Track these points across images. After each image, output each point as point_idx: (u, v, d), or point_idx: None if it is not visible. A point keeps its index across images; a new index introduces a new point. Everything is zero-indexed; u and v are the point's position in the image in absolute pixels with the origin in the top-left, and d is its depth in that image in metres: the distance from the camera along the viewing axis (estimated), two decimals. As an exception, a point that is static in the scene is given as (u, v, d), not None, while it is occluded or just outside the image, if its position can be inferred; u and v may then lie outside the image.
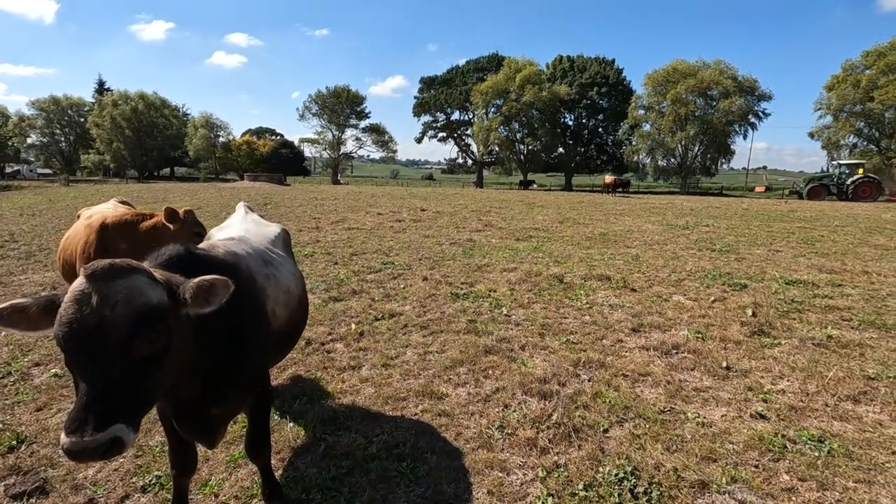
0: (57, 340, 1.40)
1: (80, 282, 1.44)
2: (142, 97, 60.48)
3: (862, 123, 40.14)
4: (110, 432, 1.33)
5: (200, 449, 2.60)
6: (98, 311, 1.39)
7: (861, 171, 32.37)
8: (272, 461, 2.59)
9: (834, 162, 36.65)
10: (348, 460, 2.85)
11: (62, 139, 66.79)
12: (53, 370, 3.96)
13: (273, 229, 3.20)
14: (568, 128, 54.29)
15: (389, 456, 2.89)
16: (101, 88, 69.80)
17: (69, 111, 65.16)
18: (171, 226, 3.71)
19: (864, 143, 40.89)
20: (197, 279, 1.60)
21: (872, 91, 37.51)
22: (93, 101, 65.41)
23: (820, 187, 32.79)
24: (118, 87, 66.36)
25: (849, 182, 31.94)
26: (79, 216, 4.60)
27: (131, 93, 60.77)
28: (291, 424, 3.22)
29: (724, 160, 48.10)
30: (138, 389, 1.45)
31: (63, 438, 1.31)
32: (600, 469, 2.77)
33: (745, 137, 46.91)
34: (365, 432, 3.13)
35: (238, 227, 2.97)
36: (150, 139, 60.91)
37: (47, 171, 65.82)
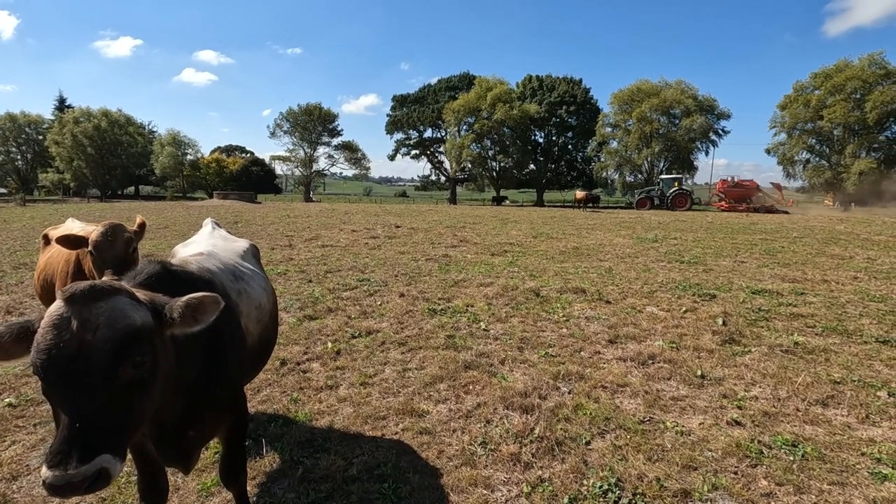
0: (35, 369, 1.31)
1: (57, 305, 1.36)
2: (105, 114, 58.70)
3: (813, 140, 42.40)
4: (96, 464, 1.25)
5: (170, 478, 2.47)
6: (78, 337, 1.31)
7: (677, 184, 38.01)
8: (247, 487, 2.48)
9: (660, 176, 41.69)
10: (328, 483, 2.75)
11: (18, 157, 64.04)
12: (7, 399, 3.72)
13: (241, 244, 3.12)
14: (539, 145, 55.40)
15: (370, 477, 2.81)
16: (62, 105, 67.58)
17: (27, 129, 62.65)
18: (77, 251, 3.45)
19: (817, 159, 43.13)
20: (185, 297, 1.53)
21: (822, 110, 39.76)
22: (52, 118, 63.18)
23: (646, 198, 37.95)
24: (80, 104, 64.33)
25: (668, 194, 37.17)
26: (46, 236, 4.39)
27: (94, 110, 58.98)
28: (267, 448, 3.10)
29: (688, 175, 49.86)
30: (124, 416, 1.37)
31: (45, 472, 1.22)
32: (584, 482, 2.76)
33: (706, 154, 48.84)
34: (344, 454, 3.04)
35: (205, 243, 2.88)
36: (114, 157, 59.04)
37: (2, 190, 62.89)
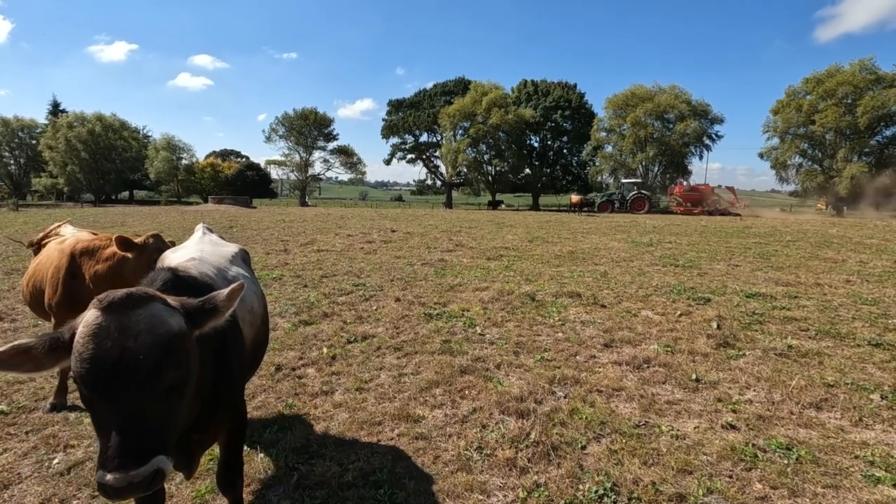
0: (79, 378, 1.34)
1: (94, 314, 1.39)
2: (99, 119, 58.41)
3: (806, 144, 42.78)
4: (153, 464, 1.32)
5: (164, 485, 2.45)
6: (120, 344, 1.34)
7: (636, 188, 39.70)
8: (243, 494, 2.46)
9: (622, 181, 43.17)
10: (323, 490, 2.74)
11: (11, 162, 63.62)
12: (-1, 407, 3.69)
13: (231, 248, 3.09)
14: (534, 149, 55.60)
15: (366, 483, 2.80)
16: (56, 110, 67.18)
17: (20, 133, 62.24)
18: (128, 255, 3.54)
19: (809, 163, 43.50)
20: (227, 290, 1.62)
21: (814, 115, 40.14)
22: (46, 122, 62.83)
23: (608, 202, 39.41)
24: (74, 108, 64.10)
25: (628, 197, 38.68)
26: (38, 244, 4.37)
27: (88, 114, 58.65)
28: (262, 454, 3.08)
29: (682, 179, 50.15)
30: (168, 419, 1.43)
31: (106, 477, 1.26)
32: (580, 486, 2.76)
33: (700, 158, 49.22)
34: (340, 460, 3.02)
35: (193, 249, 2.86)
36: (108, 162, 58.69)
37: (-6, 195, 62.39)
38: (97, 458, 1.37)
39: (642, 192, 39.53)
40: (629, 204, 38.44)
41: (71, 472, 2.91)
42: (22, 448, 3.16)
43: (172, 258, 2.74)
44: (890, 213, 36.01)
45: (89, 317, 1.39)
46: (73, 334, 1.40)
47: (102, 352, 1.33)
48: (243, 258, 3.14)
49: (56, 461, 3.02)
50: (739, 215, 33.49)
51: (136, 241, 3.49)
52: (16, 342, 1.40)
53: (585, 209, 34.53)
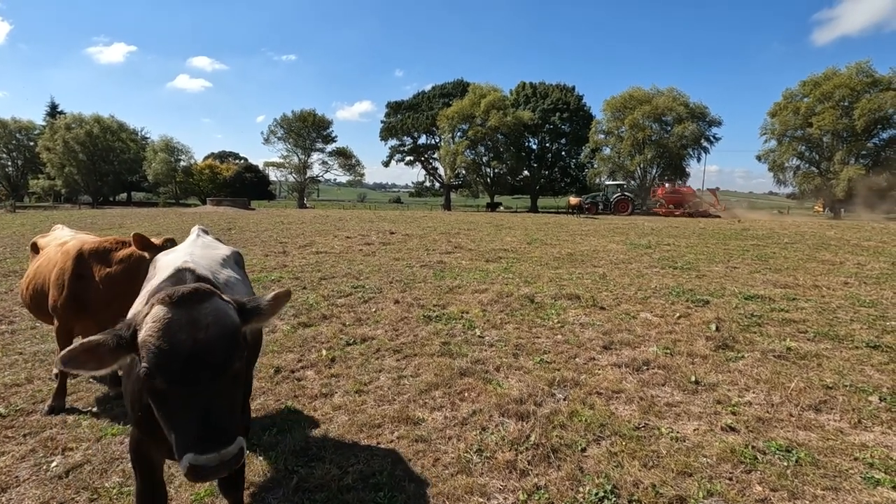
0: (157, 370, 1.40)
1: (162, 309, 1.46)
2: (97, 120, 58.33)
3: (803, 147, 42.92)
4: (238, 443, 1.44)
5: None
6: (193, 336, 1.43)
7: (620, 190, 40.99)
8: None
9: (605, 183, 44.95)
10: (322, 493, 2.73)
11: (9, 163, 63.48)
12: (-4, 409, 3.67)
13: (223, 251, 3.05)
14: (532, 151, 55.68)
15: (366, 486, 2.79)
16: (54, 111, 67.10)
17: (17, 135, 62.12)
18: (145, 254, 3.53)
19: (807, 166, 43.66)
20: (273, 294, 1.75)
21: (811, 117, 40.29)
22: (44, 124, 62.71)
23: (592, 204, 40.30)
24: (72, 110, 63.95)
25: (612, 199, 39.72)
26: (35, 245, 4.36)
27: (86, 116, 58.59)
28: (261, 457, 3.07)
29: (680, 182, 50.25)
30: (235, 404, 1.55)
31: (200, 458, 1.36)
32: (580, 489, 2.76)
33: (698, 160, 49.30)
34: (339, 462, 3.02)
35: (183, 252, 2.84)
36: (106, 163, 58.61)
37: (-9, 196, 62.20)
38: (176, 446, 1.43)
39: (626, 193, 40.68)
40: (613, 205, 39.48)
41: (69, 475, 2.89)
42: (20, 451, 3.15)
43: (164, 261, 2.73)
44: (887, 215, 36.17)
45: (158, 312, 1.45)
46: (135, 331, 1.47)
47: (178, 343, 1.40)
48: (236, 261, 3.11)
49: (54, 464, 3.01)
50: (719, 216, 34.57)
51: (153, 241, 3.48)
52: (86, 340, 1.46)
53: (583, 213, 34.63)
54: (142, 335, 1.44)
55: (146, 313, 1.48)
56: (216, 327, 1.47)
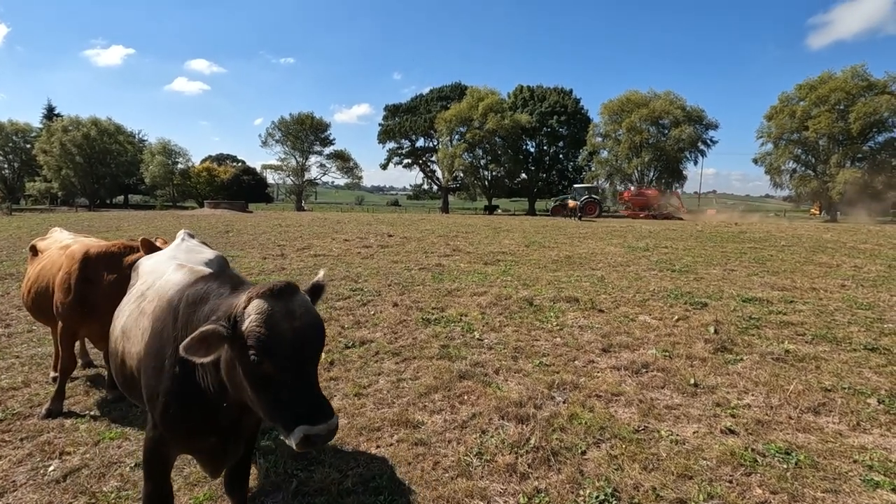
0: (267, 355, 1.55)
1: (263, 303, 1.60)
2: (94, 123, 58.20)
3: (799, 150, 43.15)
4: (336, 415, 1.64)
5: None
6: (292, 324, 1.59)
7: (588, 193, 41.74)
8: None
9: (574, 186, 45.72)
10: (322, 497, 2.72)
11: (5, 166, 63.26)
12: (-7, 413, 3.64)
13: (207, 254, 3.01)
14: (530, 154, 55.80)
15: (366, 490, 2.78)
16: (51, 114, 66.97)
17: (14, 137, 61.94)
18: None
19: (803, 169, 43.86)
20: (322, 273, 1.95)
21: (807, 121, 40.51)
22: (41, 126, 62.57)
23: (560, 206, 41.80)
24: (69, 112, 63.84)
25: (580, 201, 39.80)
26: (34, 247, 4.34)
27: (83, 118, 58.47)
28: (261, 461, 3.06)
29: (677, 185, 50.43)
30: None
31: (312, 429, 1.54)
32: (581, 492, 2.75)
33: (695, 163, 49.54)
34: (339, 466, 3.01)
35: (167, 256, 2.80)
36: (103, 166, 58.48)
37: (-12, 199, 61.91)
38: (284, 422, 1.58)
39: (593, 196, 41.57)
40: (581, 208, 40.63)
41: (67, 479, 2.88)
42: (17, 455, 3.13)
43: (147, 265, 2.72)
44: (883, 217, 36.35)
45: (259, 305, 1.59)
46: (235, 323, 1.59)
47: (282, 331, 1.56)
48: (220, 264, 3.07)
49: (52, 468, 2.99)
50: (681, 218, 36.05)
51: (159, 246, 3.46)
52: (202, 329, 1.58)
53: (580, 214, 34.67)
54: (247, 326, 1.57)
55: (244, 307, 1.61)
56: (308, 316, 1.65)
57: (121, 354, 2.32)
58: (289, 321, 1.59)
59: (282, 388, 1.58)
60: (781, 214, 47.93)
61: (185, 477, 2.88)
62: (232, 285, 1.91)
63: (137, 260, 3.37)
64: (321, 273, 1.94)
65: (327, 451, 3.16)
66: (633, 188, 42.53)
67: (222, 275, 2.01)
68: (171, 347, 1.91)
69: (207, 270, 2.31)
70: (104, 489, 2.79)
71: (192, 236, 3.28)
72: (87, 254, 3.66)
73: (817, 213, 46.61)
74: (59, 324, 3.73)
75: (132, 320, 2.31)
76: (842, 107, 39.16)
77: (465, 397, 3.97)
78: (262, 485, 2.85)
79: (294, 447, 1.55)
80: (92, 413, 3.75)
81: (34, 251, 4.33)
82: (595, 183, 51.10)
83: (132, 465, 3.01)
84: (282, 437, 1.60)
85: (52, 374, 4.34)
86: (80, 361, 4.54)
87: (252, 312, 1.59)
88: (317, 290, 1.86)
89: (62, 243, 4.10)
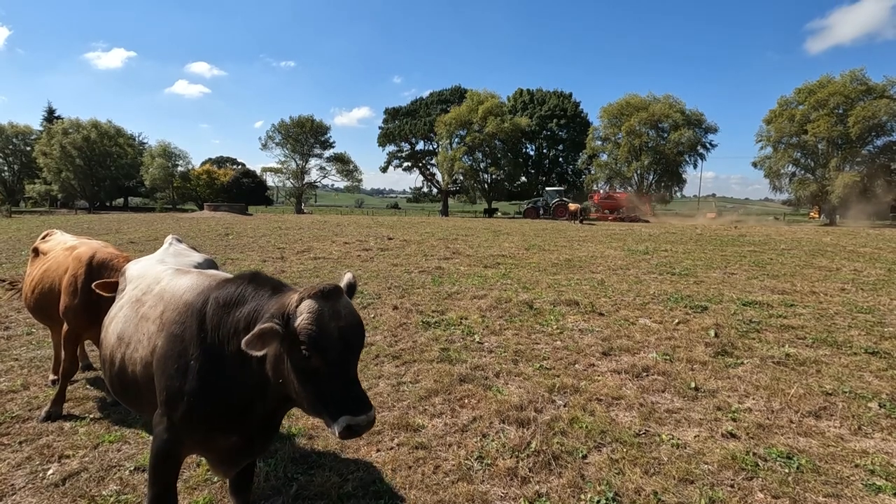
0: (318, 350, 1.67)
1: (314, 303, 1.72)
2: (95, 125, 58.26)
3: (798, 154, 43.22)
4: (375, 408, 1.79)
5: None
6: (338, 324, 1.72)
7: (559, 196, 42.98)
8: (241, 506, 2.44)
9: (546, 189, 47.09)
10: (322, 500, 2.71)
11: (5, 168, 63.30)
12: (-8, 416, 3.63)
13: (195, 257, 3.04)
14: (530, 157, 55.93)
15: (366, 494, 2.77)
16: (51, 116, 67.06)
17: (14, 139, 62.01)
18: None
19: (802, 172, 43.94)
20: (350, 274, 2.05)
21: (806, 124, 40.59)
22: (41, 129, 62.63)
23: (533, 208, 42.73)
24: (70, 115, 63.88)
25: (551, 204, 41.55)
26: (37, 249, 4.33)
27: (83, 121, 58.53)
28: (261, 464, 3.04)
29: (677, 188, 50.52)
30: None
31: (355, 419, 1.68)
32: (582, 497, 2.74)
33: (694, 167, 49.76)
34: (339, 470, 3.00)
35: (156, 260, 2.81)
36: (103, 168, 58.51)
37: (-12, 201, 61.87)
38: (329, 413, 1.70)
39: (564, 199, 42.43)
40: (552, 210, 41.31)
41: (66, 482, 2.86)
42: (15, 458, 3.11)
43: (135, 270, 2.72)
44: (882, 221, 36.40)
45: (310, 305, 1.71)
46: (287, 320, 1.71)
47: (331, 329, 1.69)
48: (209, 266, 3.07)
49: (51, 472, 2.97)
50: (647, 221, 37.51)
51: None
52: (260, 326, 1.68)
53: (579, 218, 34.74)
54: (299, 323, 1.69)
55: (296, 306, 1.73)
56: (351, 316, 1.78)
57: (119, 361, 2.30)
58: (336, 320, 1.72)
59: (328, 381, 1.72)
60: (781, 218, 48.02)
61: (185, 480, 2.86)
62: (272, 287, 1.98)
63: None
64: (349, 275, 2.02)
65: (327, 455, 3.16)
66: (602, 192, 43.86)
67: (256, 278, 2.04)
68: (197, 349, 1.96)
69: (226, 274, 2.34)
70: (104, 493, 2.78)
71: (179, 241, 3.28)
72: (94, 260, 3.66)
73: (816, 216, 46.67)
74: (65, 326, 3.73)
75: (131, 326, 2.29)
76: (841, 111, 39.26)
77: (466, 401, 3.96)
78: (262, 488, 2.84)
79: (337, 436, 1.69)
80: (91, 416, 3.74)
81: (36, 253, 4.33)
82: (595, 185, 51.23)
83: (132, 468, 3.00)
84: (326, 427, 1.77)
85: (52, 376, 4.32)
86: (80, 364, 4.52)
87: (304, 311, 1.71)
88: (350, 289, 1.97)
89: (67, 244, 4.09)
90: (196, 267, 2.84)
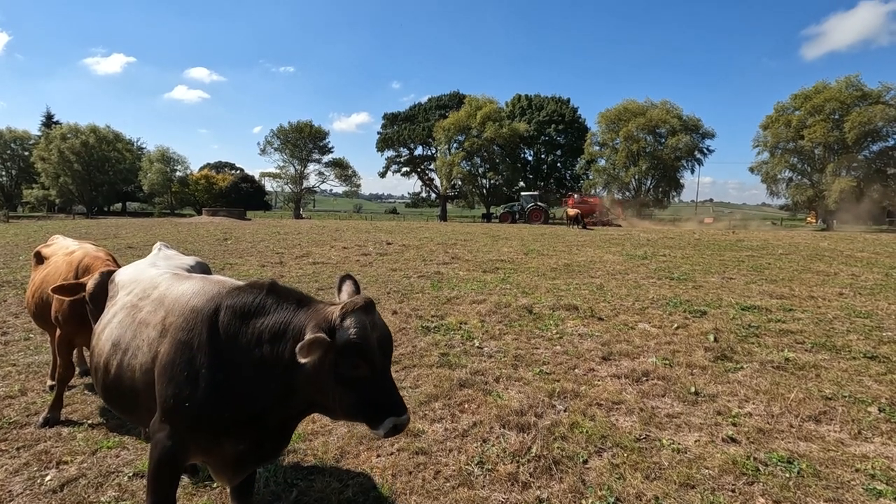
0: (365, 357, 1.81)
1: (359, 315, 1.84)
2: (93, 130, 58.22)
3: (795, 159, 43.44)
4: (408, 408, 2.04)
5: None
6: (377, 333, 1.87)
7: (534, 201, 43.53)
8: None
9: (521, 193, 47.49)
10: (323, 506, 2.69)
11: (3, 173, 63.22)
12: None
13: (187, 261, 3.02)
14: (528, 163, 56.07)
15: (366, 499, 2.76)
16: (50, 121, 67.05)
17: (12, 144, 61.97)
18: None
19: (799, 177, 44.14)
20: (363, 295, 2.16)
21: (802, 130, 40.82)
22: (39, 134, 62.60)
23: (508, 213, 43.17)
24: (68, 120, 63.93)
25: (526, 208, 42.27)
26: (39, 254, 4.32)
27: (82, 126, 58.51)
28: (260, 470, 3.03)
29: (674, 193, 50.69)
30: None
31: (399, 419, 1.85)
32: (583, 501, 2.74)
33: (692, 172, 49.95)
34: (339, 475, 2.98)
35: (146, 265, 2.74)
36: (101, 173, 58.42)
37: (-15, 206, 61.71)
38: (374, 415, 1.84)
39: (539, 203, 43.19)
40: (527, 215, 42.03)
41: (64, 489, 2.84)
42: (13, 464, 3.09)
43: (125, 277, 2.66)
44: (878, 226, 36.55)
45: (356, 319, 1.83)
46: (333, 331, 1.80)
47: (372, 340, 1.83)
48: (203, 269, 3.06)
49: (48, 478, 2.95)
50: (619, 225, 38.59)
51: None
52: (313, 337, 1.73)
53: (579, 224, 34.81)
54: (349, 336, 1.79)
55: (340, 320, 1.83)
56: (385, 327, 1.93)
57: (115, 368, 2.23)
58: (375, 331, 1.86)
59: (372, 387, 1.85)
60: (778, 223, 48.17)
61: (184, 487, 2.85)
62: (296, 300, 2.03)
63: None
64: (361, 296, 2.06)
65: (327, 460, 3.14)
66: (576, 196, 44.56)
67: (275, 289, 2.05)
68: (208, 357, 1.94)
69: (234, 280, 2.30)
70: (102, 499, 2.76)
71: (167, 247, 3.24)
72: (83, 261, 3.65)
73: (813, 221, 46.86)
74: (58, 331, 3.71)
75: (128, 332, 2.23)
76: (837, 116, 39.50)
77: (466, 406, 3.96)
78: (262, 494, 2.82)
79: (382, 436, 1.84)
80: (90, 421, 3.72)
81: (38, 258, 4.32)
82: (593, 190, 51.37)
83: (130, 474, 2.99)
84: (369, 429, 1.88)
85: (50, 382, 4.30)
86: (77, 370, 4.51)
87: (351, 325, 1.82)
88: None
89: (67, 249, 4.09)
90: (189, 270, 2.81)
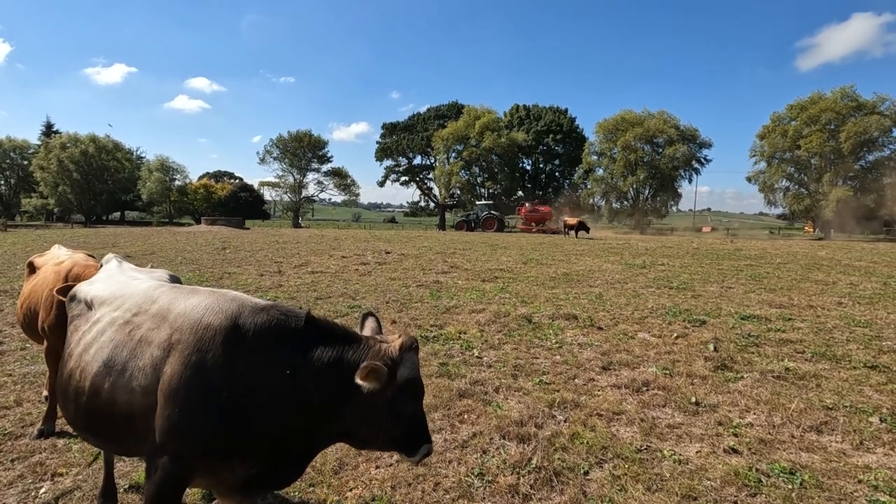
0: (414, 392, 1.95)
1: (413, 355, 1.97)
2: (93, 140, 58.34)
3: (792, 169, 43.76)
4: None
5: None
6: (419, 370, 2.01)
7: (488, 209, 44.71)
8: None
9: (477, 203, 48.55)
10: (321, 519, 2.66)
11: (2, 182, 63.25)
12: None
13: (160, 274, 2.75)
14: (526, 172, 56.34)
15: (365, 512, 2.73)
16: (49, 131, 67.25)
17: (11, 153, 62.06)
18: None
19: (796, 187, 44.41)
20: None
21: (799, 140, 41.17)
22: (39, 143, 62.75)
23: (464, 222, 44.19)
24: (68, 129, 64.11)
25: (481, 217, 43.28)
26: (32, 264, 4.29)
27: (82, 135, 58.66)
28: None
29: (672, 202, 50.93)
30: None
31: (431, 446, 2.00)
32: (584, 514, 2.70)
33: (689, 181, 50.22)
34: (337, 487, 2.95)
35: (124, 278, 2.49)
36: (100, 182, 58.46)
37: (-17, 216, 61.63)
38: (411, 444, 1.95)
39: (492, 212, 44.23)
40: (481, 223, 42.84)
41: (59, 501, 2.81)
42: (7, 477, 3.06)
43: (97, 290, 2.40)
44: (875, 235, 36.68)
45: (411, 357, 1.96)
46: (394, 366, 1.89)
47: (420, 377, 1.98)
48: (174, 282, 2.68)
49: (43, 490, 2.92)
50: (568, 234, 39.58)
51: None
52: (371, 363, 1.81)
53: (578, 231, 34.83)
54: (405, 372, 1.91)
55: (399, 357, 1.93)
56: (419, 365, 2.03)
57: (107, 390, 1.99)
58: (419, 369, 2.00)
59: (416, 419, 1.98)
60: (776, 232, 48.31)
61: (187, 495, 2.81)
62: (343, 332, 2.05)
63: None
64: (410, 336, 2.15)
65: (325, 472, 3.11)
66: (528, 205, 45.25)
67: (313, 321, 2.02)
68: (223, 378, 1.83)
69: (251, 298, 2.14)
70: (97, 512, 2.72)
71: (121, 261, 2.89)
72: (72, 271, 3.62)
73: (811, 230, 47.05)
74: (45, 342, 3.67)
75: (124, 351, 2.01)
76: (832, 126, 39.87)
77: (466, 416, 3.93)
78: (260, 507, 2.79)
79: (416, 462, 2.01)
80: (85, 433, 3.68)
81: (31, 268, 4.29)
82: (591, 200, 51.61)
83: (126, 486, 2.95)
84: (403, 456, 2.01)
85: (45, 392, 4.26)
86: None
87: (408, 362, 1.94)
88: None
89: (58, 259, 4.06)
90: (168, 282, 2.53)
